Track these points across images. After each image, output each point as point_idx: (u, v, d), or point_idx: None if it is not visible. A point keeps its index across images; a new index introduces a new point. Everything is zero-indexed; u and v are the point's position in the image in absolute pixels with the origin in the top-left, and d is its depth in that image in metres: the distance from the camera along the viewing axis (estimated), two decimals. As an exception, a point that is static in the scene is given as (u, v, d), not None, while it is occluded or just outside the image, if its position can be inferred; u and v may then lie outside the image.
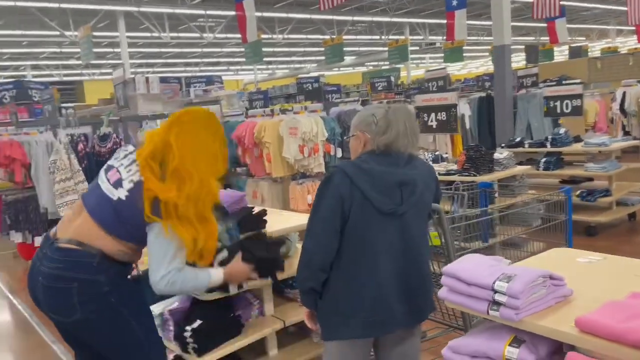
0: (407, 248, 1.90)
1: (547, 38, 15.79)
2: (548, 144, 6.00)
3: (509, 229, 4.08)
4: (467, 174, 4.25)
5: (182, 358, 2.73)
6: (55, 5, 14.17)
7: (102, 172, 2.04)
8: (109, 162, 2.07)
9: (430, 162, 5.02)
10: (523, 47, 14.65)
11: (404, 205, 1.85)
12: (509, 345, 1.50)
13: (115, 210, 1.93)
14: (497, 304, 1.51)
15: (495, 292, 1.51)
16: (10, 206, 6.06)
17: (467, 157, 4.31)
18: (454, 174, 4.37)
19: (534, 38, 27.18)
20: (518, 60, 23.23)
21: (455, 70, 37.35)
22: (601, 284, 1.68)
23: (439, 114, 4.97)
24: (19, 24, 16.60)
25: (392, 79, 16.84)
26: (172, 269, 1.91)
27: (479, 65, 34.83)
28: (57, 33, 16.24)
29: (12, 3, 13.39)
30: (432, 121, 5.07)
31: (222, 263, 2.23)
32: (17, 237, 6.12)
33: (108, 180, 1.98)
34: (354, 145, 2.03)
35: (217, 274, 2.10)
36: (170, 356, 2.80)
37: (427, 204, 1.97)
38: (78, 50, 14.31)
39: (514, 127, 8.54)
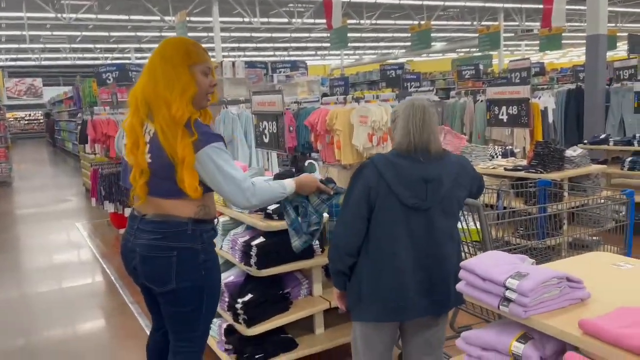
0: (431, 242, 1.97)
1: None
2: (636, 142, 5.62)
3: (577, 229, 3.93)
4: (534, 170, 4.12)
5: (233, 327, 2.97)
6: (157, -9, 15.13)
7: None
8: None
9: (500, 157, 4.91)
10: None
11: (428, 200, 1.92)
12: (516, 340, 1.54)
13: (156, 175, 2.00)
14: (508, 300, 1.55)
15: (507, 288, 1.55)
16: (105, 179, 6.70)
17: (535, 154, 4.18)
18: (521, 170, 4.26)
19: (645, 25, 24.96)
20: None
21: (555, 58, 35.15)
22: (625, 290, 1.66)
23: (510, 107, 4.83)
24: (125, 9, 17.91)
25: (481, 66, 16.22)
26: (247, 182, 2.00)
27: (581, 53, 32.53)
28: (158, 18, 17.33)
29: (118, -10, 14.49)
30: (502, 114, 4.94)
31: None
32: (110, 207, 6.77)
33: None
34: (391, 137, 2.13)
35: (289, 184, 2.22)
36: (224, 325, 3.06)
37: (456, 200, 2.02)
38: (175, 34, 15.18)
39: (604, 123, 8.04)
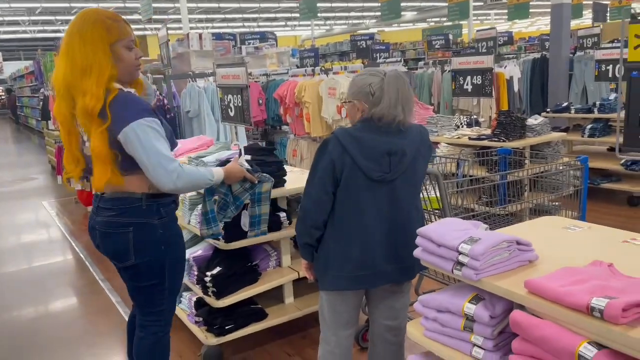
0: (396, 212, 2.03)
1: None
2: (595, 110, 5.78)
3: (537, 195, 4.06)
4: (497, 139, 4.22)
5: (203, 300, 3.01)
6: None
7: None
8: None
9: (465, 127, 4.99)
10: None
11: (392, 173, 1.97)
12: (469, 302, 1.62)
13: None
14: (461, 264, 1.62)
15: (460, 253, 1.62)
16: (71, 156, 6.56)
17: (498, 123, 4.27)
18: (484, 139, 4.35)
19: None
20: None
21: (523, 27, 35.40)
22: (573, 252, 1.75)
23: (475, 77, 4.90)
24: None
25: (451, 36, 16.23)
26: (173, 164, 1.95)
27: (548, 22, 32.84)
28: (121, -12, 16.75)
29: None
30: (467, 84, 5.01)
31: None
32: (77, 185, 6.66)
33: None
34: (352, 112, 2.10)
35: (218, 172, 2.20)
36: (194, 298, 3.10)
37: (419, 171, 2.07)
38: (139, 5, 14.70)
39: (568, 91, 8.21)
